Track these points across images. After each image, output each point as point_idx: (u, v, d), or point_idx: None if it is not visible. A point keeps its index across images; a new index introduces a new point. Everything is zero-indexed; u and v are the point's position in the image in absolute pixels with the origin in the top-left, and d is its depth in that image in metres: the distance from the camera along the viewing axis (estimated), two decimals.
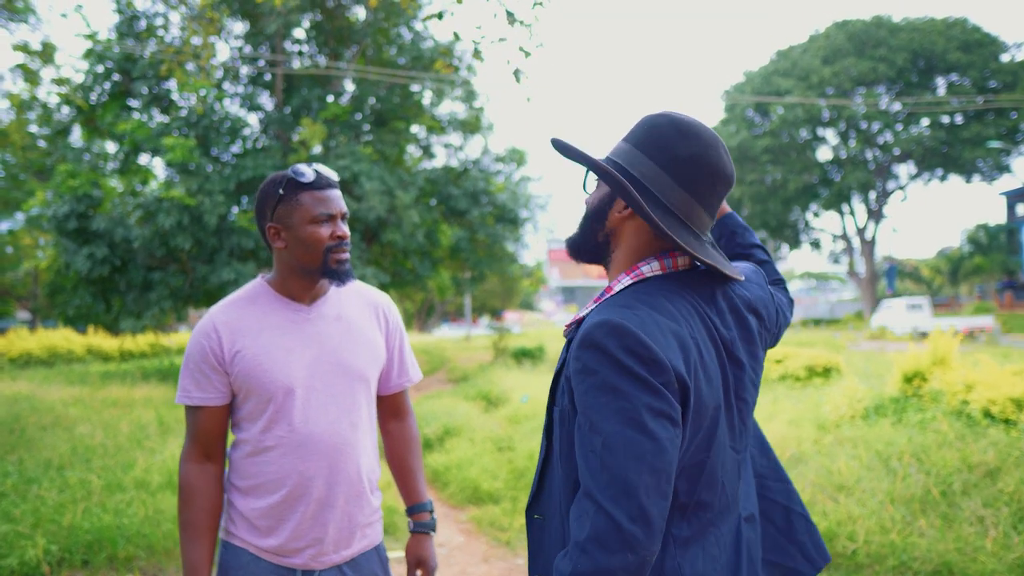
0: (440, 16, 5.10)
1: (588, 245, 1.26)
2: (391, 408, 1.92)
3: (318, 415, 1.65)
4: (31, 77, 14.68)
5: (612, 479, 1.01)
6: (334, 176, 1.66)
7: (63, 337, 15.93)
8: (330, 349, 1.68)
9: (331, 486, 1.65)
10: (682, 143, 1.17)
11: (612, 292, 1.18)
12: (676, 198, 1.17)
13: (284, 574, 1.64)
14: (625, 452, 1.02)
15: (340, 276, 1.66)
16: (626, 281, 1.19)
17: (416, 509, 1.87)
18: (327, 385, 1.67)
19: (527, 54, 4.72)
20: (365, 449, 1.73)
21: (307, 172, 1.61)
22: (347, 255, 1.66)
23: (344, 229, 1.65)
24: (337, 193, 1.66)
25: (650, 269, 1.20)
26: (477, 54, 4.82)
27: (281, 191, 1.61)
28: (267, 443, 1.63)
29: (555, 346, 19.17)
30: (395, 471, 1.91)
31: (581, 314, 1.19)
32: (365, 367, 1.73)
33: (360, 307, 1.78)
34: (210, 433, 1.65)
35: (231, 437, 1.72)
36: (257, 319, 1.66)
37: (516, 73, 4.73)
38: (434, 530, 1.87)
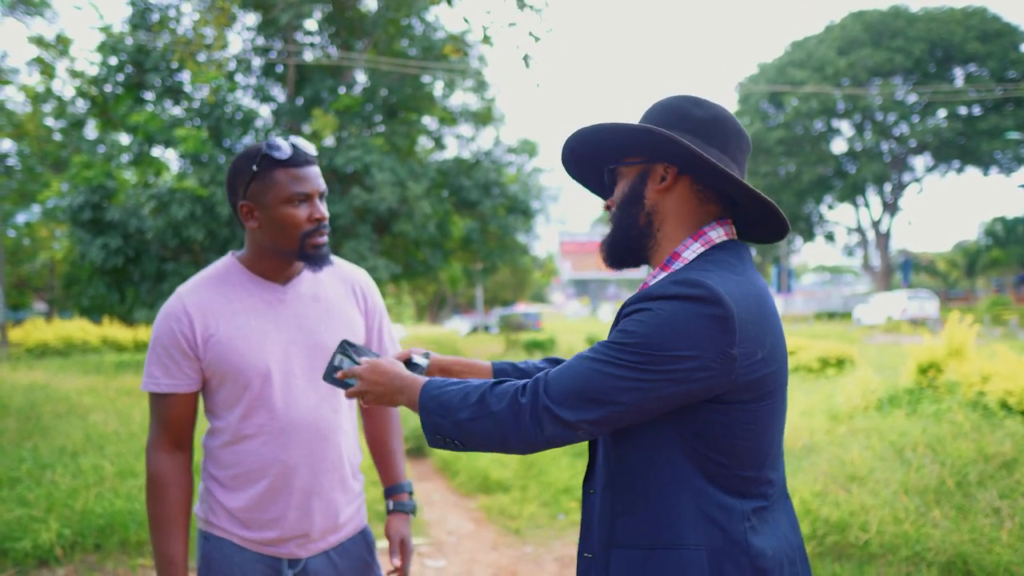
0: (450, 1, 5.07)
1: (630, 234, 1.18)
2: None
3: (299, 400, 1.57)
4: (47, 70, 14.78)
5: (584, 389, 1.04)
6: (312, 150, 1.54)
7: (78, 327, 16.04)
8: (308, 331, 1.59)
9: (315, 474, 1.58)
10: (700, 109, 1.17)
11: (680, 258, 1.14)
12: (714, 156, 1.14)
13: (269, 563, 1.58)
14: (614, 383, 1.03)
15: (317, 261, 1.56)
16: (696, 248, 1.14)
17: (395, 490, 1.78)
18: (306, 369, 1.58)
19: (537, 39, 4.67)
20: (347, 433, 1.67)
21: (283, 147, 1.48)
22: (325, 238, 1.56)
23: (323, 210, 1.53)
24: (315, 170, 1.54)
25: (718, 235, 1.15)
26: (487, 40, 4.78)
27: (255, 167, 1.49)
28: (246, 431, 1.55)
29: (566, 338, 19.15)
30: (375, 452, 1.83)
31: (651, 286, 1.13)
32: None
33: (337, 286, 1.68)
34: (180, 421, 1.56)
35: (205, 424, 1.64)
36: (230, 300, 1.56)
37: (526, 59, 4.69)
38: (414, 512, 1.78)
